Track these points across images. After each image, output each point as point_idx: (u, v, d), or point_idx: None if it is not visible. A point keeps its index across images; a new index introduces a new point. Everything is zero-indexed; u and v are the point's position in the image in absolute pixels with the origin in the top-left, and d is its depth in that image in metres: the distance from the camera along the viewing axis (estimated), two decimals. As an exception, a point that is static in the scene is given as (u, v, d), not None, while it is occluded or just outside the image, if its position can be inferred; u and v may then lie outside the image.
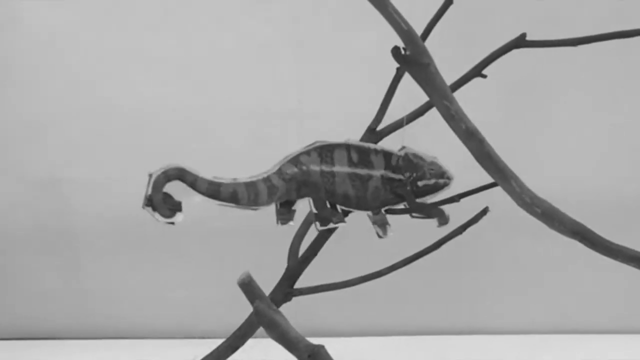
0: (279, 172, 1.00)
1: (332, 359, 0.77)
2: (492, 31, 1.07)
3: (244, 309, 0.78)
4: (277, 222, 1.01)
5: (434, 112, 0.94)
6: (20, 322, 1.44)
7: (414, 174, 1.02)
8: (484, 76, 1.06)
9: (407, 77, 0.93)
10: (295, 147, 1.04)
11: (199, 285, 1.36)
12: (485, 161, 0.91)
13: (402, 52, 0.87)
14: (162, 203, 0.94)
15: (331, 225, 1.01)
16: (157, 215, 0.94)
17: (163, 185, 0.94)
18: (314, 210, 1.02)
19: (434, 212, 1.02)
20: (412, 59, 0.87)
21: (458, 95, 0.93)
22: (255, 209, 1.00)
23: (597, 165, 1.36)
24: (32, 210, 1.37)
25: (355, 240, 1.11)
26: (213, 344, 1.05)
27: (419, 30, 0.93)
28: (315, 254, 1.06)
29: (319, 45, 1.29)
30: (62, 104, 1.33)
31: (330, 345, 0.78)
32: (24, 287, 1.43)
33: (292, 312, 0.96)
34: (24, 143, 1.34)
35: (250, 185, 0.99)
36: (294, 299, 1.05)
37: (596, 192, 1.35)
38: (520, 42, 1.04)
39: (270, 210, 1.04)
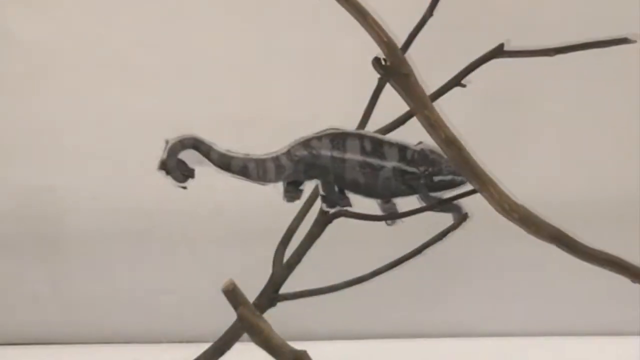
0: (288, 153, 1.01)
1: None
2: (472, 41, 1.05)
3: (232, 314, 0.81)
4: (284, 199, 1.03)
5: (413, 122, 0.96)
6: (9, 327, 1.43)
7: (430, 169, 1.02)
8: (464, 85, 1.06)
9: (389, 86, 0.94)
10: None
11: (186, 290, 1.37)
12: (464, 168, 0.92)
13: (383, 62, 0.88)
14: (175, 168, 0.98)
15: (337, 208, 1.03)
16: (170, 179, 0.98)
17: (178, 152, 0.98)
18: (322, 193, 1.02)
19: (449, 207, 1.03)
20: (393, 69, 0.88)
21: (439, 102, 0.97)
22: (264, 184, 1.02)
23: (576, 170, 1.38)
24: (21, 217, 1.38)
25: (339, 246, 1.11)
26: (201, 348, 1.06)
27: (399, 41, 0.95)
28: (300, 260, 1.07)
29: (305, 54, 1.28)
30: (52, 114, 1.34)
31: (313, 348, 0.79)
32: (13, 293, 1.43)
33: (277, 315, 0.99)
34: (14, 151, 1.35)
35: (260, 162, 1.00)
36: (279, 303, 1.06)
37: (575, 196, 1.36)
38: (498, 52, 1.05)
39: (257, 216, 1.03)
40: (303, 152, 1.01)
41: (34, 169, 1.34)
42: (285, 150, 1.01)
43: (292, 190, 1.03)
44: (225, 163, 1.00)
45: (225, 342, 1.06)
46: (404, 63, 0.88)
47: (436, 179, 1.02)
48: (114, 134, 1.32)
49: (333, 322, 1.32)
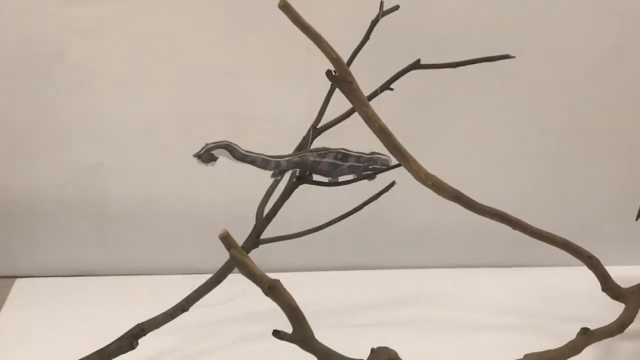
0: (287, 161, 1.06)
1: (285, 289, 0.79)
2: (397, 57, 1.09)
3: (226, 254, 0.80)
4: (271, 176, 1.08)
5: (355, 115, 1.00)
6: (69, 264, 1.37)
7: (370, 164, 1.09)
8: (392, 89, 1.10)
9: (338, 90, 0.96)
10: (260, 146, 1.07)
11: (195, 240, 1.35)
12: (393, 150, 0.96)
13: (333, 73, 0.91)
14: (205, 157, 1.02)
15: (307, 180, 1.10)
16: (200, 162, 1.03)
17: (213, 149, 1.03)
18: (297, 174, 1.09)
19: (368, 175, 1.09)
20: (340, 78, 0.91)
21: (374, 102, 0.99)
22: (265, 170, 1.06)
23: (477, 149, 1.36)
24: (77, 188, 1.34)
25: (302, 206, 1.15)
26: (204, 278, 1.09)
27: (345, 56, 0.97)
28: (275, 214, 1.11)
29: (280, 67, 1.28)
30: (103, 108, 1.31)
31: (284, 278, 0.80)
32: (68, 241, 1.36)
33: (259, 254, 1.01)
34: (72, 133, 1.31)
35: (265, 161, 1.05)
36: (262, 247, 1.09)
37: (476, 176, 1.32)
38: (416, 65, 1.09)
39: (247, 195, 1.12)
40: (297, 159, 1.06)
41: (88, 150, 1.32)
42: (286, 157, 1.06)
43: (279, 174, 1.08)
44: (243, 158, 1.04)
45: (222, 274, 1.09)
46: (348, 74, 0.91)
47: (371, 167, 1.09)
48: (149, 126, 1.32)
49: (298, 258, 1.32)
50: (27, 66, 1.26)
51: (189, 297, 1.07)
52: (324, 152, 1.05)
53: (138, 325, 1.03)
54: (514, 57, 1.06)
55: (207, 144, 1.01)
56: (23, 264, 1.36)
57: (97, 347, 1.03)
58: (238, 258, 0.76)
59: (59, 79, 1.27)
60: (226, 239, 0.75)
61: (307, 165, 1.06)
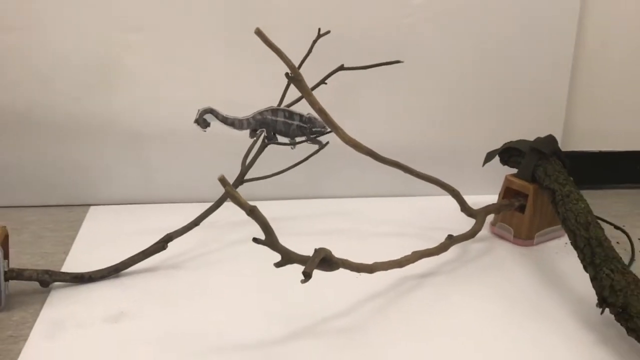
0: (253, 117, 1.07)
1: (260, 212, 0.79)
2: (329, 62, 1.14)
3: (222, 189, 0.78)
4: (249, 136, 1.09)
5: (303, 101, 1.05)
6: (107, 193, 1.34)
7: (312, 125, 1.08)
8: (326, 83, 1.16)
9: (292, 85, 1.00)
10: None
11: (200, 175, 1.30)
12: (328, 123, 1.01)
13: (290, 74, 0.95)
14: (201, 123, 1.05)
15: (273, 142, 1.09)
16: (199, 127, 1.05)
17: (203, 114, 1.05)
18: (265, 135, 1.09)
19: (318, 141, 1.10)
20: (293, 77, 0.96)
21: (316, 91, 1.05)
22: (241, 130, 1.07)
23: (385, 123, 1.38)
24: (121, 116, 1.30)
25: (275, 158, 1.16)
26: (206, 205, 1.14)
27: (296, 61, 1.03)
28: (254, 162, 1.16)
29: (257, 70, 1.24)
30: (143, 92, 1.28)
31: (261, 205, 0.80)
32: (101, 166, 1.32)
33: (243, 189, 1.08)
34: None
35: (239, 120, 1.07)
36: (245, 184, 1.14)
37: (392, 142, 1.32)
38: (341, 68, 1.16)
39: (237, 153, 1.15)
40: (259, 117, 1.08)
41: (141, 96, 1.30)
42: (251, 116, 1.08)
43: (253, 135, 1.11)
44: (224, 120, 1.06)
45: (220, 202, 1.14)
46: (299, 74, 0.96)
47: (314, 129, 1.10)
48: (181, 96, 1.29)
49: (269, 192, 1.26)
50: (99, 68, 1.27)
51: (200, 216, 1.13)
52: (275, 109, 1.07)
53: (167, 234, 1.11)
54: (402, 61, 1.13)
55: (198, 110, 1.04)
56: (96, 194, 1.35)
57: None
58: (229, 191, 0.78)
59: (118, 76, 1.29)
60: (222, 180, 0.77)
61: (269, 125, 1.07)
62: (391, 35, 1.30)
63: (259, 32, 0.87)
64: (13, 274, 0.98)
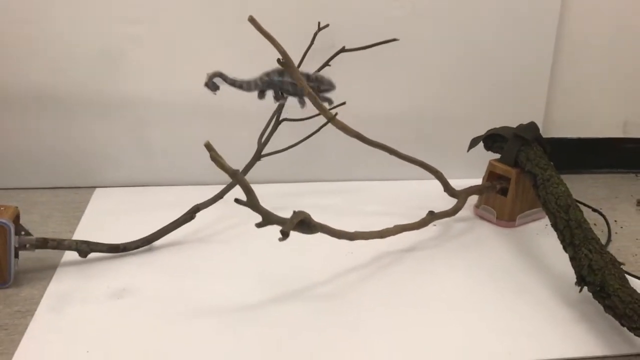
0: (260, 78, 1.06)
1: (243, 176, 0.81)
2: (332, 46, 1.16)
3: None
4: (258, 97, 1.08)
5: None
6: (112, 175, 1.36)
7: (319, 84, 1.06)
8: (330, 65, 1.15)
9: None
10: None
11: (202, 159, 1.13)
12: (317, 106, 1.02)
13: (281, 60, 0.96)
14: (211, 86, 1.04)
15: (282, 101, 1.09)
16: (208, 90, 1.04)
17: (212, 77, 1.04)
18: (273, 95, 1.08)
19: (325, 98, 1.08)
20: (285, 62, 0.97)
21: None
22: (250, 92, 1.05)
23: (374, 96, 1.38)
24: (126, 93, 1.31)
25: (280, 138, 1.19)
26: (207, 188, 1.18)
27: (291, 49, 0.99)
28: (269, 140, 1.17)
29: (254, 57, 1.15)
30: (144, 80, 1.30)
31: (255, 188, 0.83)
32: (107, 145, 1.34)
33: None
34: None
35: (247, 82, 1.05)
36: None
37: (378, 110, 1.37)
38: (343, 50, 1.17)
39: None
40: (266, 78, 1.07)
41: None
42: (258, 77, 1.07)
43: (261, 96, 1.08)
44: (233, 83, 1.06)
45: (233, 183, 1.15)
46: (290, 60, 0.97)
47: (322, 87, 1.07)
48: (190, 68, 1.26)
49: (281, 173, 1.33)
50: (102, 57, 1.29)
51: (224, 189, 1.16)
52: (281, 69, 1.04)
53: (195, 205, 1.15)
54: (398, 39, 1.14)
55: (207, 73, 1.03)
56: (101, 177, 1.37)
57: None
58: (214, 156, 0.79)
59: (123, 63, 1.30)
60: (207, 146, 0.78)
61: (276, 85, 1.06)
62: (379, 28, 1.27)
63: (252, 20, 0.88)
64: (54, 244, 1.00)
